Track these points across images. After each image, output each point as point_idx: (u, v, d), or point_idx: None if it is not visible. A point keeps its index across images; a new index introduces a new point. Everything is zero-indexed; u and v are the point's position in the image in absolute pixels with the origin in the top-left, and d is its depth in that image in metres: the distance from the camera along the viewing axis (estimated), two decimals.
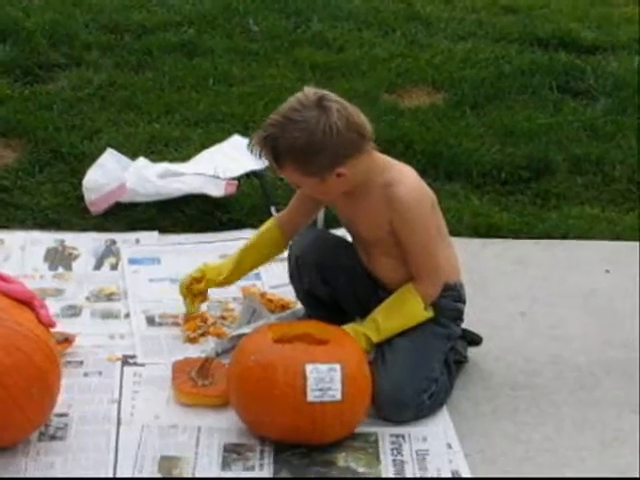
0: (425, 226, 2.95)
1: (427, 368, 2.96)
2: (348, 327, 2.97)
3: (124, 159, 4.13)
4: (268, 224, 3.26)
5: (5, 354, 2.65)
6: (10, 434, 2.78)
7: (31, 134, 4.43)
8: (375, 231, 2.98)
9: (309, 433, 2.80)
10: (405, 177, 2.96)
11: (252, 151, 2.98)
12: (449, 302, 3.04)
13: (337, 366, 2.75)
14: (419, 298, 2.96)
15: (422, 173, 3.09)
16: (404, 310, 2.98)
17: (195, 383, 3.00)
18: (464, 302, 3.10)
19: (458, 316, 3.09)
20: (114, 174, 4.02)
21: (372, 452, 2.83)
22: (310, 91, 2.86)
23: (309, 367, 2.74)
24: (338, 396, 2.74)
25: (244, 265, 3.26)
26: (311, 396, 2.72)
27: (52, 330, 2.95)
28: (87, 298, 3.46)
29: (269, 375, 2.76)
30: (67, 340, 3.13)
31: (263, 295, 3.42)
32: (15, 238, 3.75)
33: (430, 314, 2.97)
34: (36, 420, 2.82)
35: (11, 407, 2.69)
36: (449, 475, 2.77)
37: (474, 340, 3.17)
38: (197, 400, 2.97)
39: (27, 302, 2.81)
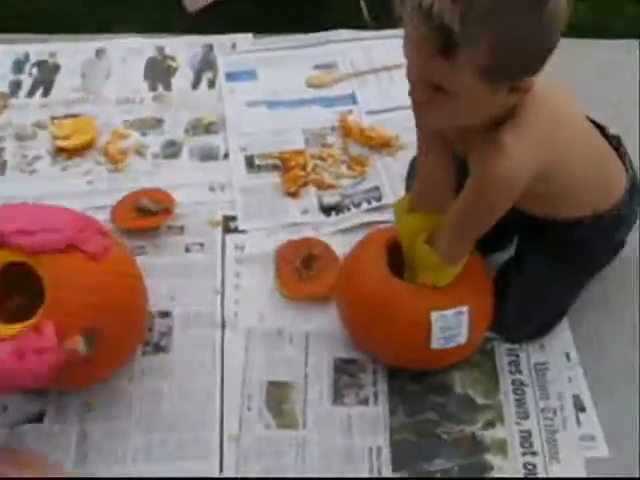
0: None
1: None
2: None
3: None
4: None
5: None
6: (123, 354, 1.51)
7: None
8: None
9: (426, 363, 1.53)
10: None
11: None
12: None
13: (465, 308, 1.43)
14: None
15: None
16: None
17: (300, 274, 1.70)
18: None
19: None
20: None
21: (489, 367, 1.58)
22: None
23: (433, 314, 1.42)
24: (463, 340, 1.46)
25: None
26: (435, 344, 1.44)
27: (153, 196, 1.81)
28: (186, 131, 2.04)
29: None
30: (167, 210, 1.79)
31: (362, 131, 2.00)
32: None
33: None
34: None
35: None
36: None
37: None
38: (301, 297, 1.67)
39: (71, 245, 1.34)
